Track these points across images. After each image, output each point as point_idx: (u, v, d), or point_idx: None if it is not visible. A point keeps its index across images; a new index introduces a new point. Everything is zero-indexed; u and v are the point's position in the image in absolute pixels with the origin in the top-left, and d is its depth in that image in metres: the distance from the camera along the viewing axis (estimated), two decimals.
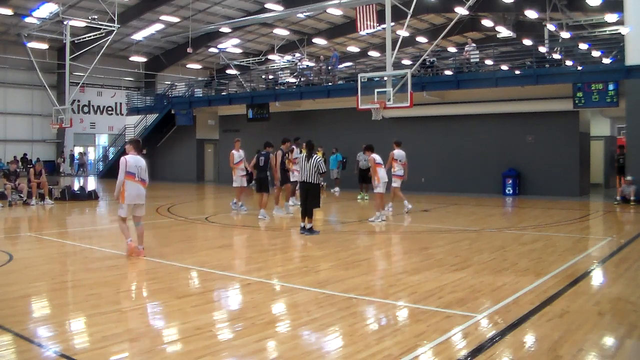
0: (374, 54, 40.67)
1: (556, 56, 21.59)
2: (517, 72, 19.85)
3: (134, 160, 8.21)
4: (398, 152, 14.00)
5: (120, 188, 8.11)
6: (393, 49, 18.39)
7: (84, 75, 29.41)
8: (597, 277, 7.41)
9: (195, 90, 31.16)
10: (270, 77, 27.99)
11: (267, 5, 31.04)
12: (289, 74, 29.13)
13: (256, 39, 38.96)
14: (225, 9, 32.44)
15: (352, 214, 15.19)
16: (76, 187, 22.30)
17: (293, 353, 4.38)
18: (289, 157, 16.30)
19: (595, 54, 24.77)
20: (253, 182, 27.12)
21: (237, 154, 14.49)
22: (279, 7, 29.75)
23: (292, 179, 16.43)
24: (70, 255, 8.84)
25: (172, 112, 28.92)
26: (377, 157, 12.47)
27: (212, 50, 38.59)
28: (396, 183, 13.87)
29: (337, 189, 20.92)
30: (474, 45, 22.31)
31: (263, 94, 26.44)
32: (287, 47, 38.60)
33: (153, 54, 40.15)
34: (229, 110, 28.18)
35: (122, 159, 8.25)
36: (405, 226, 12.60)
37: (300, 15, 32.77)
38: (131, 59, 38.12)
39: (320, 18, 35.27)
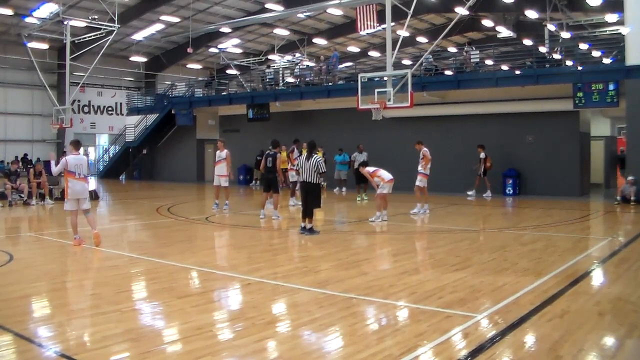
0: (374, 54, 40.63)
1: (556, 56, 21.55)
2: (518, 72, 19.82)
3: (74, 160, 9.07)
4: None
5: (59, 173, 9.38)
6: (393, 49, 18.36)
7: (84, 75, 29.35)
8: (598, 277, 7.41)
9: (196, 90, 31.14)
10: (270, 77, 27.98)
11: (267, 5, 31.02)
12: (289, 74, 29.08)
13: (256, 39, 38.95)
14: (226, 9, 32.43)
15: (352, 214, 15.19)
16: None
17: (293, 353, 4.38)
18: (289, 157, 16.34)
19: (596, 54, 24.75)
20: (254, 182, 27.08)
21: (218, 154, 14.97)
22: (279, 7, 29.72)
23: (291, 179, 16.47)
24: (70, 255, 8.83)
25: (172, 112, 28.90)
26: (370, 169, 12.84)
27: (212, 50, 38.54)
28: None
29: (344, 189, 20.79)
30: (472, 48, 22.32)
31: (263, 94, 26.38)
32: (287, 47, 38.56)
33: (153, 54, 40.13)
34: (229, 110, 28.16)
35: (63, 159, 9.15)
36: (405, 226, 12.60)
37: (301, 15, 32.73)
38: (131, 59, 38.09)
39: (321, 18, 35.24)
